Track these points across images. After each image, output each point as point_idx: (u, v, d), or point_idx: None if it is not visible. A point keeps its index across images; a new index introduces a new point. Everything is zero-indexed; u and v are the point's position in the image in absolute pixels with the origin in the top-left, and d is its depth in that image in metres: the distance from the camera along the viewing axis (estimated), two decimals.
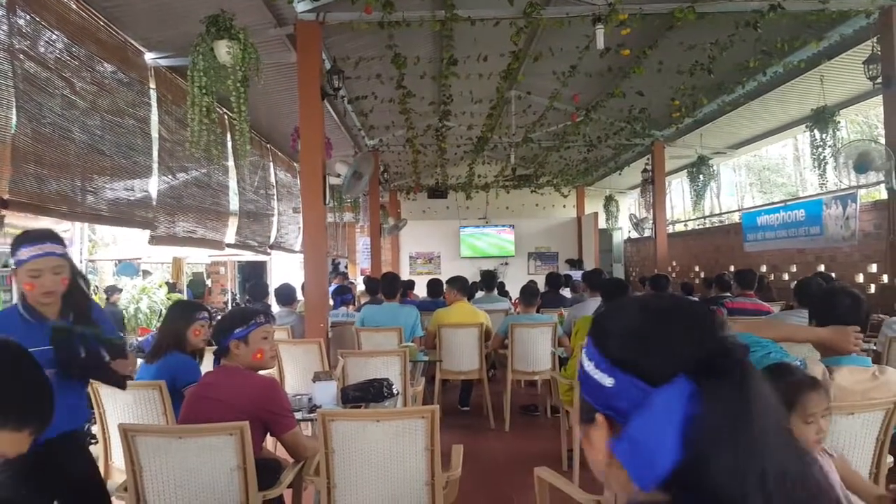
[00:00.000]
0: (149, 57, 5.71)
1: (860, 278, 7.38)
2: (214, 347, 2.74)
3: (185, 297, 11.09)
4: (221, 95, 4.51)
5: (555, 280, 8.20)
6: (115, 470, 3.29)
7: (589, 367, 0.82)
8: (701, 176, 10.77)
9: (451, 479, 2.63)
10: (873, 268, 7.19)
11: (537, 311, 5.91)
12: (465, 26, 5.65)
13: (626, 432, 0.76)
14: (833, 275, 7.52)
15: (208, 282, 14.99)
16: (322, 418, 2.46)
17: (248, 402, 2.51)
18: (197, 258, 12.50)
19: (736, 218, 13.26)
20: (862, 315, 2.35)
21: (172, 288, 11.64)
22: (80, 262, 9.42)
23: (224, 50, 4.34)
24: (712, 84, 7.65)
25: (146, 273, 12.44)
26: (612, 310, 0.87)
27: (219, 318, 2.98)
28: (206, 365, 3.50)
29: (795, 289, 4.63)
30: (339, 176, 6.24)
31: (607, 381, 0.79)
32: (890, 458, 2.48)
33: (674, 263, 12.35)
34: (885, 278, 6.87)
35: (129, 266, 11.25)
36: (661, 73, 7.19)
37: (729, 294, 6.53)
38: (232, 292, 13.33)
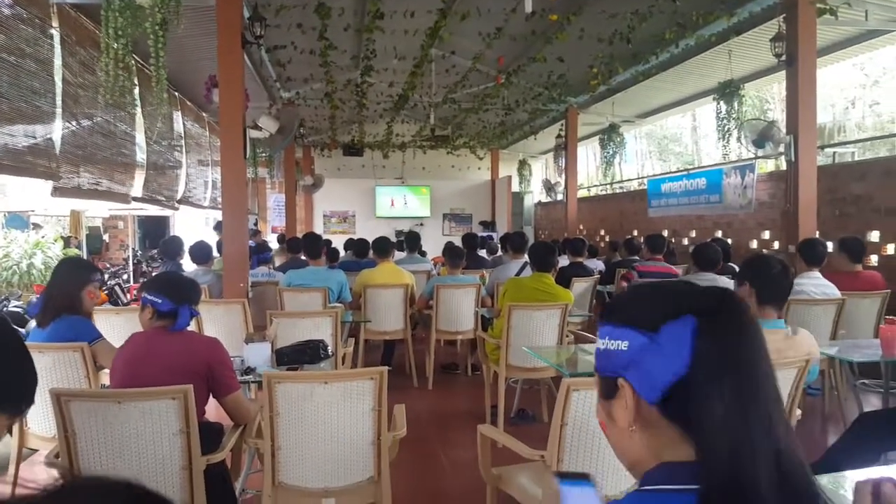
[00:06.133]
0: None
1: (754, 244, 8.00)
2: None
3: (83, 252, 10.38)
4: (132, 39, 4.19)
5: (472, 241, 8.30)
6: (32, 436, 3.10)
7: (605, 343, 0.89)
8: (611, 143, 11.18)
9: (395, 438, 2.68)
10: (766, 234, 7.80)
11: (461, 272, 6.01)
12: None
13: (639, 364, 0.83)
14: (729, 240, 8.13)
15: (105, 237, 14.07)
16: (268, 381, 2.42)
17: (199, 361, 2.44)
18: (94, 212, 11.67)
19: (637, 185, 13.92)
20: (790, 279, 2.62)
21: (67, 242, 10.85)
22: None
23: None
24: (629, 54, 7.89)
25: (37, 227, 11.51)
26: (627, 292, 0.95)
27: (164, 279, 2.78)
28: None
29: (693, 253, 4.99)
30: (259, 129, 6.00)
31: (622, 344, 0.85)
32: (798, 412, 2.76)
33: (581, 227, 12.85)
34: (777, 244, 7.49)
35: (18, 218, 10.36)
36: (582, 40, 7.32)
37: (638, 257, 6.92)
38: (133, 248, 12.59)
